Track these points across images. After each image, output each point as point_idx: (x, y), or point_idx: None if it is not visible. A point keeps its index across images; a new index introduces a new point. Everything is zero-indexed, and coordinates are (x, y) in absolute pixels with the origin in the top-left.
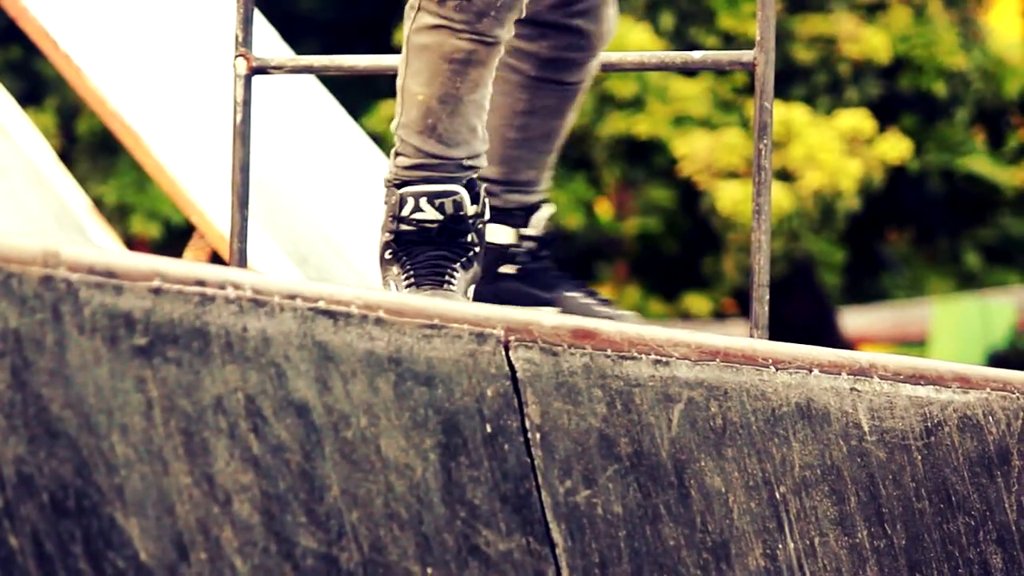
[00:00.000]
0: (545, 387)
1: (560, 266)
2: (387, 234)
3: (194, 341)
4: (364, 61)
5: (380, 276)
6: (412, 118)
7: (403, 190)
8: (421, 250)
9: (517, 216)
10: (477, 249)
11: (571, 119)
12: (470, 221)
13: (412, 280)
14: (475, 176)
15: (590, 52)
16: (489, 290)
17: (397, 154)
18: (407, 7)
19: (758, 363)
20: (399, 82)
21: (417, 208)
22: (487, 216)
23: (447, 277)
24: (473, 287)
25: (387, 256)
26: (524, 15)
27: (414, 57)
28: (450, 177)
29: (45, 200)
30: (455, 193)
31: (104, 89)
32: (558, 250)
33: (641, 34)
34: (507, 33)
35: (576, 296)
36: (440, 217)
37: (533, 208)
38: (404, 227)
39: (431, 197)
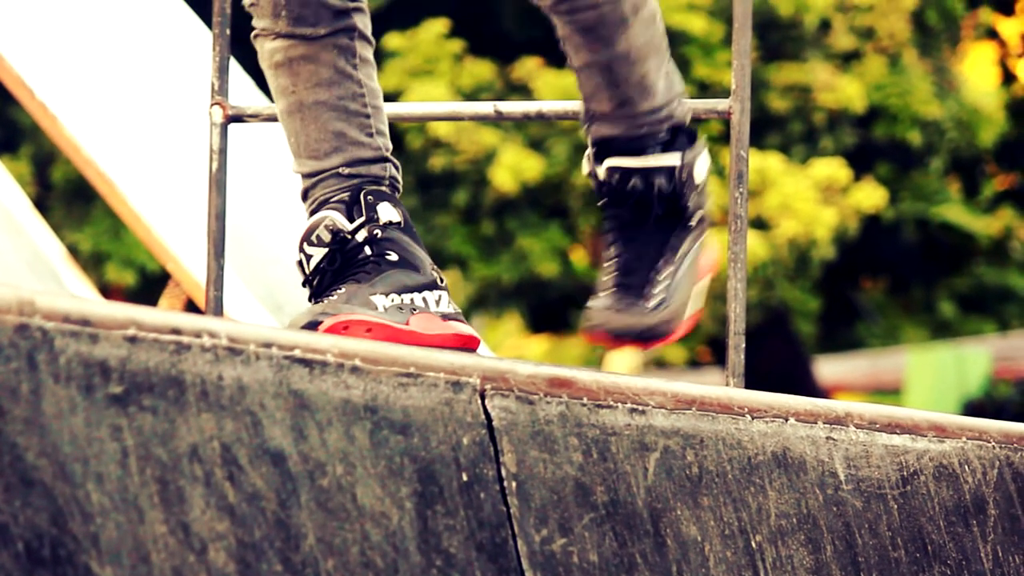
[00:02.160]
0: (521, 435)
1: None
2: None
3: (169, 389)
4: None
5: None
6: (288, 144)
7: (299, 252)
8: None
9: None
10: (390, 256)
11: None
12: (357, 237)
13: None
14: (362, 183)
15: None
16: None
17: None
18: None
19: (734, 412)
20: None
21: (307, 256)
22: (388, 219)
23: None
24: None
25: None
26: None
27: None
28: (333, 191)
29: (20, 248)
30: (323, 219)
31: (79, 137)
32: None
33: None
34: (318, 29)
35: None
36: (324, 251)
37: None
38: (314, 281)
39: (305, 238)
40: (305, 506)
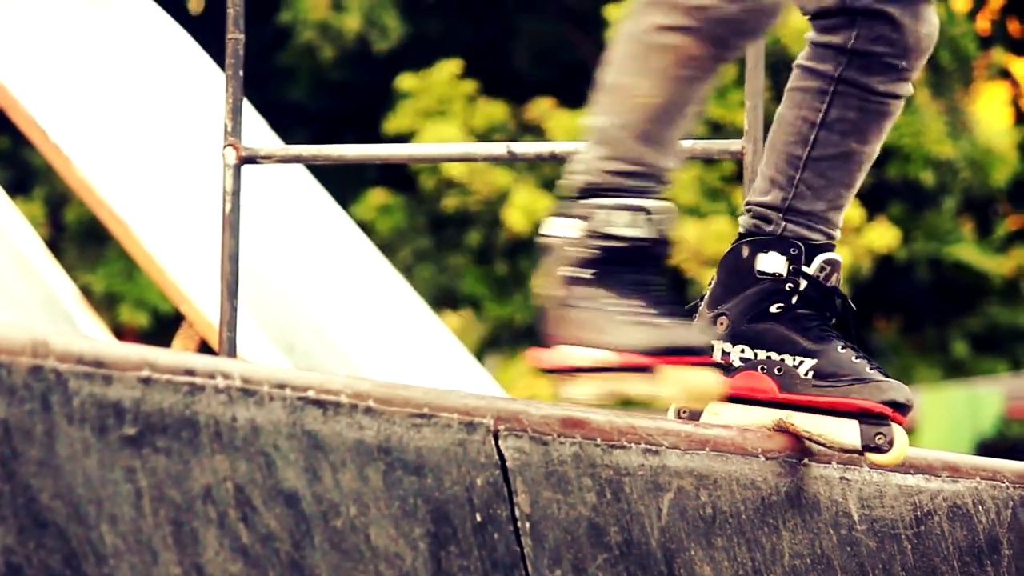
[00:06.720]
0: (535, 476)
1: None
2: (590, 250)
3: (183, 431)
4: (353, 151)
5: (566, 299)
6: (630, 120)
7: (610, 200)
8: (626, 271)
9: (794, 249)
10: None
11: (875, 151)
12: (667, 245)
13: (654, 313)
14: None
15: (905, 55)
16: (751, 329)
17: (606, 158)
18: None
19: (748, 452)
20: (610, 78)
21: (633, 224)
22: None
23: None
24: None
25: (589, 276)
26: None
27: (649, 55)
28: (652, 190)
29: (33, 289)
30: (650, 210)
31: (93, 178)
32: (839, 311)
33: None
34: (738, 54)
35: (846, 354)
36: (653, 236)
37: (818, 248)
38: (615, 243)
39: (648, 212)
40: (319, 547)
